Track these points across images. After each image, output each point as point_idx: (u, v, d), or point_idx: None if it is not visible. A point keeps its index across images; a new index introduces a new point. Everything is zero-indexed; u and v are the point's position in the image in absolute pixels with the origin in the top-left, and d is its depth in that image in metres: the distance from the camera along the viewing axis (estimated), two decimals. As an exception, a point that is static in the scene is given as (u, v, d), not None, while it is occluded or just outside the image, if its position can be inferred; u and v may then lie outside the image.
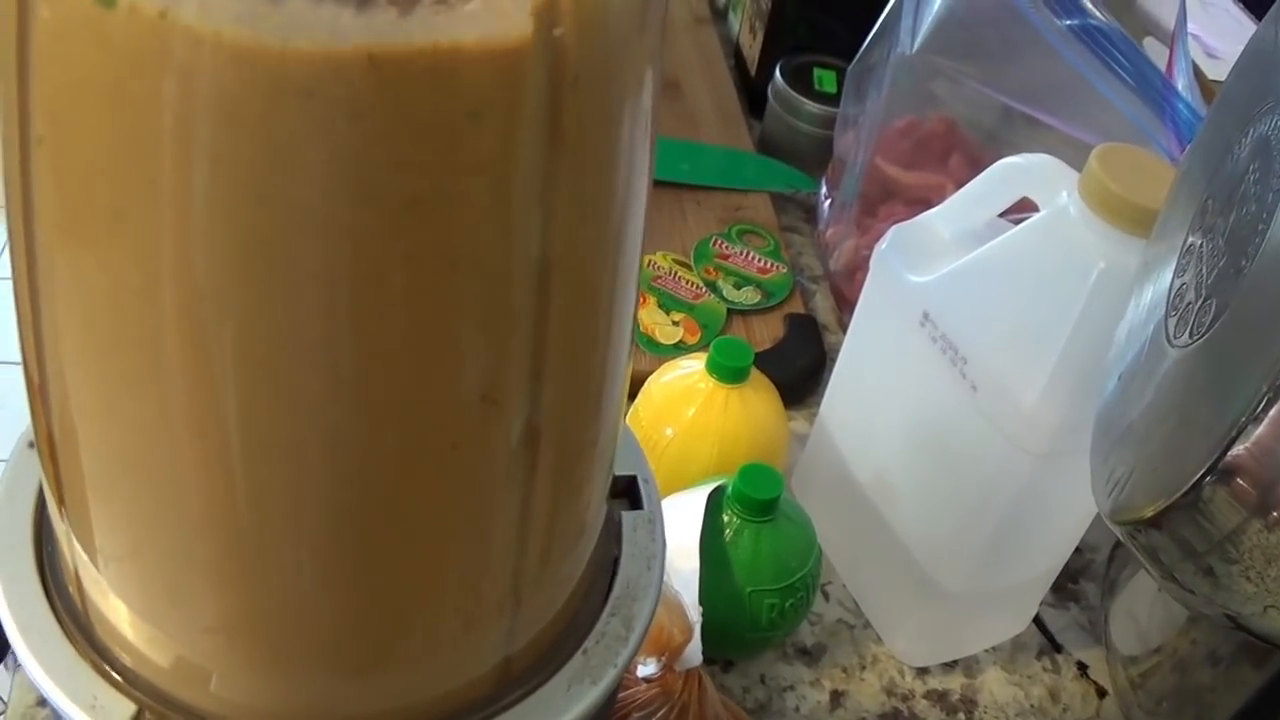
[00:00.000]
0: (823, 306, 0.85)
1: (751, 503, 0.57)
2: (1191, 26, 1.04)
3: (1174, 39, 0.64)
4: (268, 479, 0.26)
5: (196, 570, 0.28)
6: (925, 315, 0.56)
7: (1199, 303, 0.39)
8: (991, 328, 0.54)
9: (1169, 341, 0.40)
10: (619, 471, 0.37)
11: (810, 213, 0.93)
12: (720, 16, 1.17)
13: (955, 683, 0.64)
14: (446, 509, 0.27)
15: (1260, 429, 0.31)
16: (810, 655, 0.64)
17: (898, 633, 0.64)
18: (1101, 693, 0.65)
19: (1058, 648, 0.67)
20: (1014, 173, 0.56)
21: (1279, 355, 0.31)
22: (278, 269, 0.23)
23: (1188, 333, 0.39)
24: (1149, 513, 0.36)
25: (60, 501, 0.29)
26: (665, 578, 0.56)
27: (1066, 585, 0.69)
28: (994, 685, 0.64)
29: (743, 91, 1.06)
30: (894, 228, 0.60)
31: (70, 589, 0.32)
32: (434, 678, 0.31)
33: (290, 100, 0.21)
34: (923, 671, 0.64)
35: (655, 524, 0.36)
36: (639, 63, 0.25)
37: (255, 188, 0.22)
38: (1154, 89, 0.61)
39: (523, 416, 0.26)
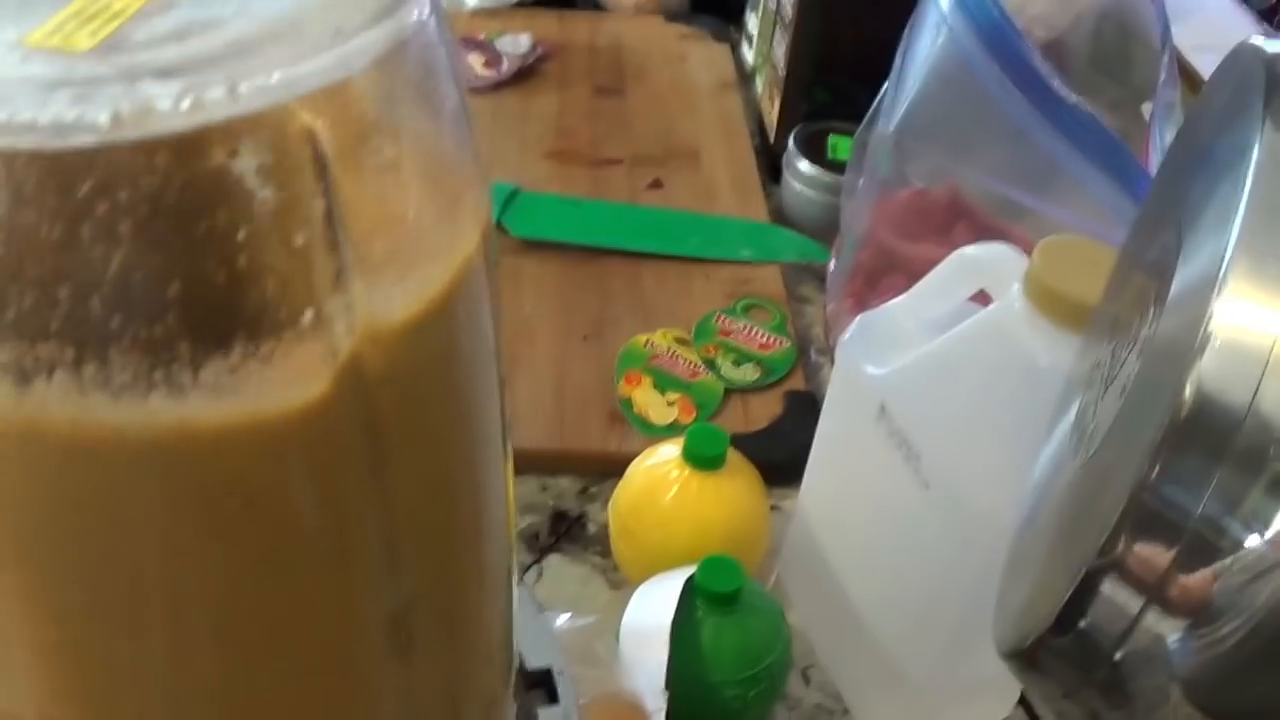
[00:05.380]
0: (827, 381, 0.85)
1: (712, 595, 0.57)
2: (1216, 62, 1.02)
3: (1151, 119, 0.64)
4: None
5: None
6: (882, 408, 0.56)
7: (1092, 424, 0.39)
8: (942, 425, 0.54)
9: (1068, 464, 0.40)
10: (535, 664, 0.37)
11: (824, 282, 0.93)
12: (747, 81, 1.18)
13: (937, 771, 0.63)
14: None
15: (1099, 581, 0.31)
16: (788, 743, 0.64)
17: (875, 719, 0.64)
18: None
19: (1046, 732, 0.66)
20: (969, 264, 0.56)
21: (1121, 503, 0.31)
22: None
23: (1079, 457, 0.38)
24: (1025, 647, 0.35)
25: None
26: (627, 664, 0.57)
27: (1062, 668, 0.68)
28: (977, 774, 0.63)
29: (764, 157, 1.06)
30: (859, 317, 0.61)
31: None
32: None
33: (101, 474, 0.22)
34: (904, 760, 0.63)
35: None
36: (462, 367, 0.26)
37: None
38: (1125, 172, 0.60)
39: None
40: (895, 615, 0.59)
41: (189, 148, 0.20)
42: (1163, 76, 0.65)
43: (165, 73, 0.20)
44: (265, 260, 0.21)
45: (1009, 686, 0.64)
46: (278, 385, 0.22)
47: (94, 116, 0.19)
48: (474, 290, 0.26)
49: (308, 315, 0.22)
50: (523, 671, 0.37)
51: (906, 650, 0.59)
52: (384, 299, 0.23)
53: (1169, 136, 0.64)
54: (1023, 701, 0.66)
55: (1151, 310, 0.37)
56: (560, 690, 0.37)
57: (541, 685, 0.37)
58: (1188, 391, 0.30)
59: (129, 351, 0.20)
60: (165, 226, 0.20)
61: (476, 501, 0.29)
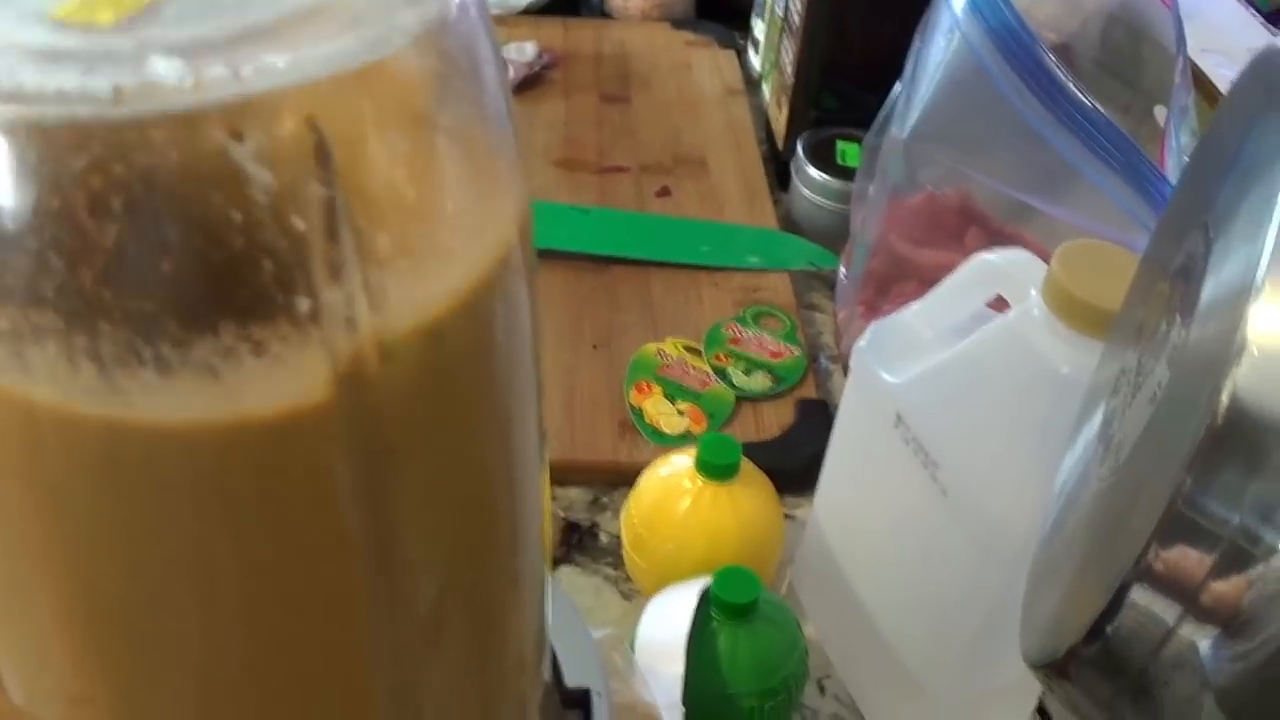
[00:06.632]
0: (838, 388, 0.84)
1: (727, 606, 0.57)
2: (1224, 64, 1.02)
3: (1167, 122, 0.63)
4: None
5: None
6: (899, 417, 0.56)
7: (1119, 433, 0.38)
8: (960, 432, 0.53)
9: (1095, 472, 0.39)
10: (574, 683, 0.37)
11: (834, 290, 0.93)
12: (754, 88, 1.18)
13: (955, 783, 0.63)
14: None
15: (1135, 592, 0.30)
16: (804, 755, 0.63)
17: (892, 731, 0.63)
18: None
19: (1065, 743, 0.65)
20: (987, 270, 0.56)
21: (1157, 514, 0.30)
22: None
23: (1107, 465, 0.38)
24: (1056, 657, 0.35)
25: None
26: (642, 676, 0.56)
27: (1079, 677, 0.68)
28: (996, 785, 0.63)
29: (772, 164, 1.06)
30: (874, 323, 0.60)
31: None
32: None
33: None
34: (921, 771, 0.63)
35: None
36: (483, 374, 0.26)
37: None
38: (1141, 176, 0.60)
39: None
40: (912, 623, 0.59)
41: (189, 126, 0.20)
42: (1177, 80, 0.65)
43: (174, 50, 0.20)
44: (260, 246, 0.21)
45: (1026, 694, 0.64)
46: (270, 376, 0.22)
47: (96, 88, 0.20)
48: (505, 288, 0.25)
49: (304, 305, 0.21)
50: (561, 689, 0.36)
51: (923, 659, 0.58)
52: (396, 292, 0.23)
53: (1185, 139, 0.63)
54: (1041, 709, 0.65)
55: (1179, 317, 0.36)
56: (596, 710, 0.36)
57: (579, 706, 0.36)
58: (1223, 400, 0.30)
59: (119, 325, 0.21)
60: (161, 204, 0.20)
61: (505, 510, 0.29)
